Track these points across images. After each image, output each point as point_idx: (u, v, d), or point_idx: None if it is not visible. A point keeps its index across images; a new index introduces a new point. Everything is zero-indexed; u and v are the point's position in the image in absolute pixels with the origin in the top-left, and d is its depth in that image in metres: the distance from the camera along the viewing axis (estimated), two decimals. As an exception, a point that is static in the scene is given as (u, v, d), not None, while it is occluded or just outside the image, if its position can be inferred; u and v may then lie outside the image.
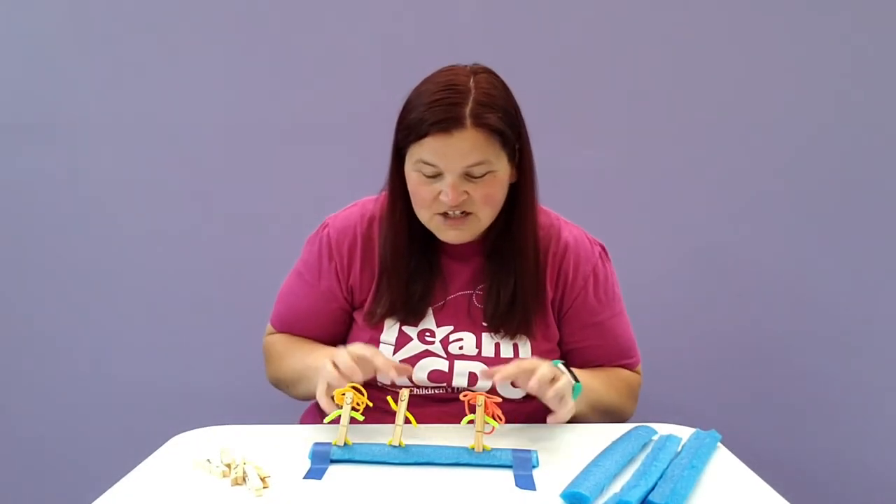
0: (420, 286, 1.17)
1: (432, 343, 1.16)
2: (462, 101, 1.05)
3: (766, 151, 1.69)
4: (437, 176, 1.08)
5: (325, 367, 1.02)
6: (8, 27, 1.69)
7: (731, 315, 1.73)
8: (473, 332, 1.17)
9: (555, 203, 1.25)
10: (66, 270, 1.76)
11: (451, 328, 1.17)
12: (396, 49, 1.66)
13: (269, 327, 1.31)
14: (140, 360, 1.77)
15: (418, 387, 1.16)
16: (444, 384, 1.16)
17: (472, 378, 1.15)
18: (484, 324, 1.17)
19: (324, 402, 1.02)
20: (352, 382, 1.01)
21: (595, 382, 1.16)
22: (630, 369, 1.25)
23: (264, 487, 0.88)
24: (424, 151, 1.06)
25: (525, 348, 1.17)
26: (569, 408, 1.02)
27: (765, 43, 1.66)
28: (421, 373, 1.15)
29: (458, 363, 1.15)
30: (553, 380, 1.01)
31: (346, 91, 1.67)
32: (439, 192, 1.08)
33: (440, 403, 1.16)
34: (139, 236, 1.75)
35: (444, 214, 1.10)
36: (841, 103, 1.67)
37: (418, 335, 1.17)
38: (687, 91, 1.68)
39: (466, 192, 1.08)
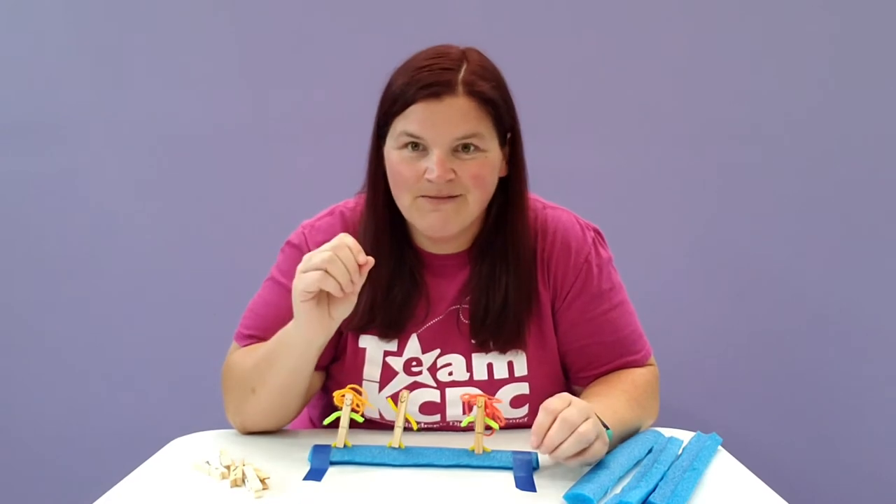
0: (399, 293, 1.05)
1: (420, 373, 1.07)
2: (454, 67, 0.98)
3: (769, 151, 1.69)
4: (422, 151, 0.98)
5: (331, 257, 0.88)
6: (8, 27, 1.70)
7: (732, 318, 1.73)
8: (462, 354, 1.07)
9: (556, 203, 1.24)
10: (66, 272, 1.76)
11: (438, 351, 1.07)
12: (396, 49, 1.66)
13: (231, 349, 1.10)
14: (140, 362, 1.77)
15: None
16: (438, 416, 1.08)
17: (467, 405, 1.03)
18: (472, 341, 1.07)
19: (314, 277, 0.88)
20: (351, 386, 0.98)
21: (617, 407, 1.00)
22: (639, 365, 1.11)
23: (264, 489, 0.87)
24: (410, 122, 0.97)
25: (521, 364, 1.07)
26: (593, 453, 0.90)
27: (766, 43, 1.67)
28: (411, 406, 1.06)
29: (449, 391, 1.07)
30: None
31: (346, 92, 1.67)
32: (424, 171, 0.98)
33: (436, 434, 1.08)
34: (139, 238, 1.75)
35: (428, 196, 0.99)
36: (846, 102, 1.67)
37: (404, 366, 1.07)
38: (692, 91, 1.68)
39: (454, 172, 0.97)
